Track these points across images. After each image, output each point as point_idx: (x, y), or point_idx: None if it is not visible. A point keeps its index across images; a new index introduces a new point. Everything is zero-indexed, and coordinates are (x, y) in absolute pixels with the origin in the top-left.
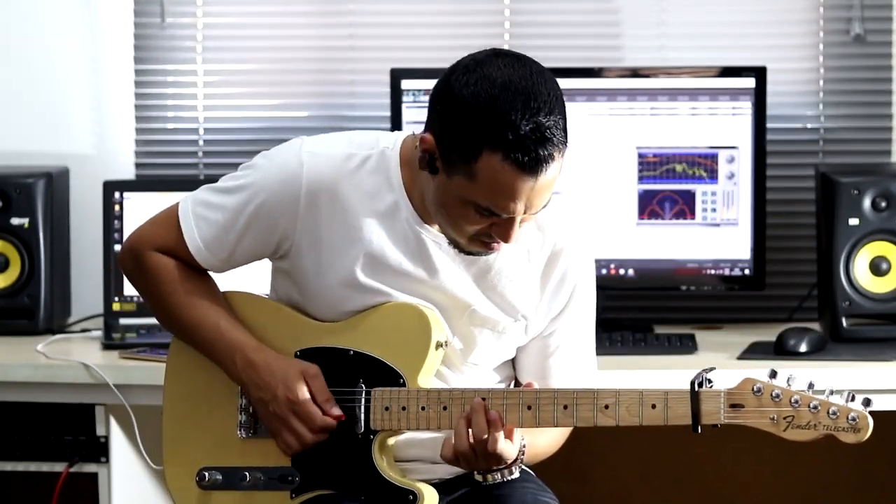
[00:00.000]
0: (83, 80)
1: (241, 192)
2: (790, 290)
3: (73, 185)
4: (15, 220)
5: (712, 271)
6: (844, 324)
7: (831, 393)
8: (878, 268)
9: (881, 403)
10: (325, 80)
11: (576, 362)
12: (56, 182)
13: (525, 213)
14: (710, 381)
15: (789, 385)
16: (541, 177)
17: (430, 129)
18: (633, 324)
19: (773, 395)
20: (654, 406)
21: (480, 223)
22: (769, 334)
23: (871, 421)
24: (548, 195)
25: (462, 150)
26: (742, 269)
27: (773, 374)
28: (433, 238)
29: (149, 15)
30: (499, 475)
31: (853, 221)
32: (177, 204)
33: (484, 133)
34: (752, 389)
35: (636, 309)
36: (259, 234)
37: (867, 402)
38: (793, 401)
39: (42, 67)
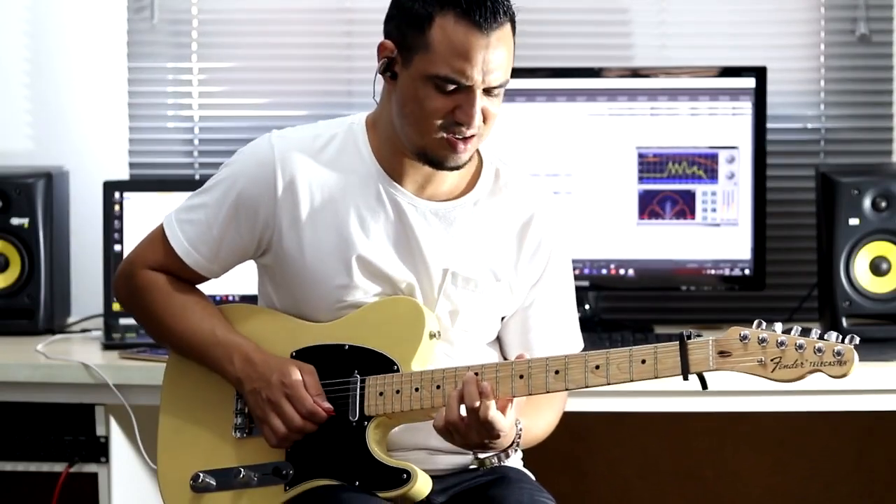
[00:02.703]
0: (83, 79)
1: (219, 187)
2: (790, 290)
3: (73, 185)
4: (15, 220)
5: (712, 271)
6: (844, 324)
7: (815, 332)
8: (878, 268)
9: (881, 403)
10: (323, 79)
11: (558, 333)
12: (56, 182)
13: (483, 82)
14: (698, 335)
15: (775, 330)
16: (493, 37)
17: (386, 36)
18: (633, 324)
19: (760, 339)
20: (643, 361)
21: (443, 105)
22: None
23: (856, 355)
24: (502, 71)
25: (416, 23)
26: (742, 269)
27: (760, 324)
28: (409, 201)
29: (142, 12)
30: (496, 459)
31: (853, 221)
32: (161, 224)
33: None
34: (739, 336)
35: (636, 309)
36: (242, 225)
37: (852, 339)
38: (779, 342)
39: (41, 67)
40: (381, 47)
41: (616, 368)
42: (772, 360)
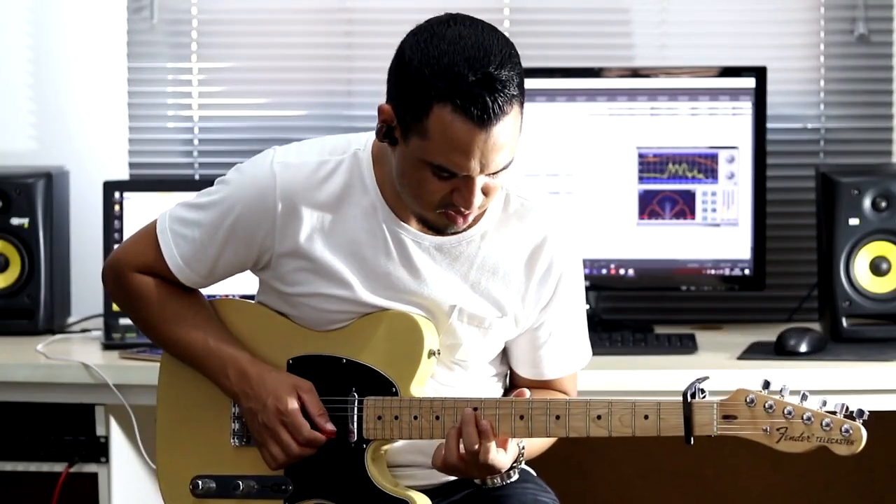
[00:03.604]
0: (83, 79)
1: (217, 207)
2: (790, 290)
3: (73, 185)
4: (15, 220)
5: (712, 271)
6: (844, 324)
7: (824, 403)
8: (878, 268)
9: (881, 403)
10: (322, 79)
11: (567, 351)
12: (56, 182)
13: (482, 171)
14: (702, 392)
15: (782, 395)
16: (493, 129)
17: (388, 99)
18: (633, 324)
19: (767, 406)
20: (646, 417)
21: (441, 188)
22: (769, 334)
23: (864, 433)
24: (505, 155)
25: (414, 108)
26: (742, 269)
27: (767, 385)
28: (413, 237)
29: (141, 12)
30: (498, 479)
31: (853, 221)
32: (154, 222)
33: (432, 87)
34: (745, 400)
35: (636, 309)
36: (238, 248)
37: (861, 414)
38: (786, 412)
39: (42, 68)
40: (380, 110)
41: (618, 421)
42: (777, 430)
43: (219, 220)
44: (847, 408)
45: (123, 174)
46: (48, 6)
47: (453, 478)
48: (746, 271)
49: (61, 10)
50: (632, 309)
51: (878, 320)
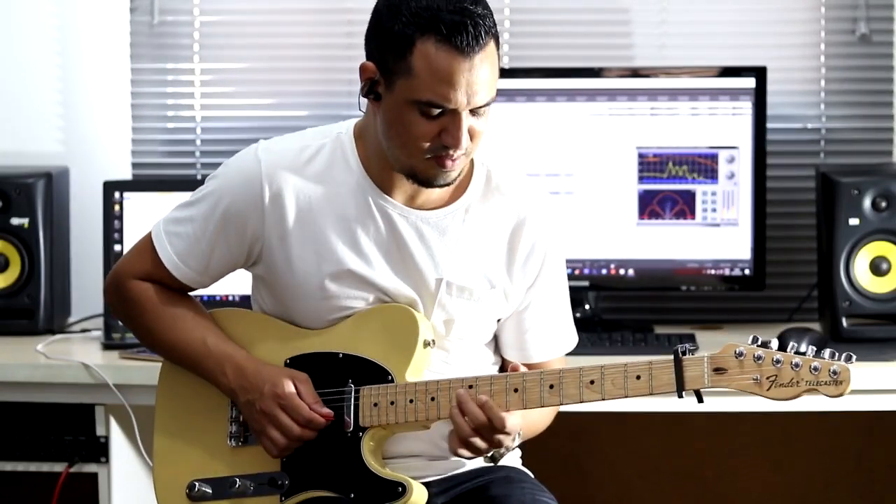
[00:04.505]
0: (85, 80)
1: (206, 201)
2: (790, 290)
3: (73, 185)
4: (15, 220)
5: (712, 271)
6: (844, 324)
7: (812, 351)
8: (878, 268)
9: (881, 403)
10: (324, 79)
11: (552, 334)
12: (56, 182)
13: (468, 104)
14: (693, 353)
15: (771, 347)
16: (476, 58)
17: (368, 57)
18: (633, 324)
19: (756, 356)
20: (638, 377)
21: (429, 130)
22: (769, 334)
23: (851, 374)
24: (487, 90)
25: (396, 49)
26: (742, 269)
27: (755, 340)
28: (400, 212)
29: (143, 13)
30: (503, 449)
31: (853, 221)
32: (150, 232)
33: (413, 24)
34: (735, 353)
35: (636, 309)
36: (230, 239)
37: (849, 358)
38: (774, 360)
39: (44, 68)
40: (362, 69)
41: (611, 384)
42: (767, 379)
43: (209, 211)
44: (835, 354)
45: (126, 174)
46: (50, 7)
47: (450, 473)
48: (746, 271)
49: (63, 11)
50: (632, 309)
51: (878, 320)
